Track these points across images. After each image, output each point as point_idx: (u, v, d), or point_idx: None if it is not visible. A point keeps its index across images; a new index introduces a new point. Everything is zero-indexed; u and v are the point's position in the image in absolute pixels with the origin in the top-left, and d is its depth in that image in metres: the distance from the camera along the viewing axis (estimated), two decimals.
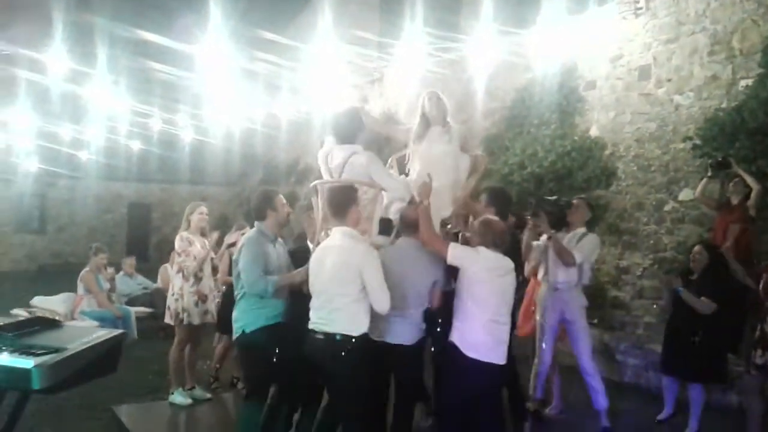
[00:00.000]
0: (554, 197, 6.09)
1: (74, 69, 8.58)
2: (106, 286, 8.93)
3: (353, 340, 3.83)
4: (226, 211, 19.47)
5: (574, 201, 6.05)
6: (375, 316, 3.98)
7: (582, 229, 5.84)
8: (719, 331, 5.49)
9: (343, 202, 4.05)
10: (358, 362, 3.83)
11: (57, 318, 6.78)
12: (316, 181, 4.78)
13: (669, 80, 8.32)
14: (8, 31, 8.02)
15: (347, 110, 4.97)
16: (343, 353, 3.81)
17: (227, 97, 11.25)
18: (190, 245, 6.11)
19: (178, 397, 6.12)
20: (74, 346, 2.68)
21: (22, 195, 18.82)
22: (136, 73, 10.22)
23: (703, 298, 5.42)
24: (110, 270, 9.35)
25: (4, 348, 2.61)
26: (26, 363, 2.47)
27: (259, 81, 11.04)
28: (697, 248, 5.73)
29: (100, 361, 2.80)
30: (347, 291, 3.84)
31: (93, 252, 8.79)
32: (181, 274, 6.12)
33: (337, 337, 3.83)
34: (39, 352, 2.57)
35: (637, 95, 8.71)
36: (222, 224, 19.05)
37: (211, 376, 6.85)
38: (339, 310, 3.86)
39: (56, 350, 2.60)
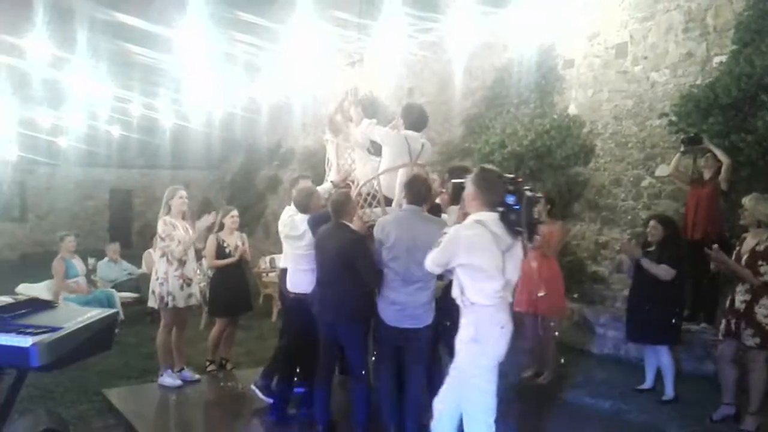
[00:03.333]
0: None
1: (54, 54, 8.53)
2: (83, 269, 8.96)
3: None
4: (208, 195, 19.44)
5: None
6: None
7: None
8: (674, 296, 5.80)
9: None
10: None
11: None
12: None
13: (645, 58, 8.46)
14: None
15: (420, 105, 5.84)
16: None
17: (207, 81, 11.21)
18: (174, 229, 6.12)
19: (167, 379, 6.18)
20: (70, 325, 2.75)
21: (1, 183, 18.62)
22: (115, 57, 10.15)
23: (662, 265, 5.67)
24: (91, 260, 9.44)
25: (2, 327, 2.69)
26: (24, 341, 2.54)
27: (239, 64, 11.02)
28: (652, 222, 5.97)
29: (94, 339, 2.88)
30: None
31: (60, 238, 8.86)
32: (165, 259, 6.11)
33: None
34: (36, 331, 2.64)
35: (614, 73, 8.85)
36: (205, 209, 19.02)
37: (207, 360, 6.89)
38: None
39: (53, 329, 2.67)
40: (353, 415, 4.79)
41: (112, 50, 9.60)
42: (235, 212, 6.98)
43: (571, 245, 8.50)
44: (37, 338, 2.57)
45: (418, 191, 4.55)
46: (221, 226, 6.82)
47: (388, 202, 5.13)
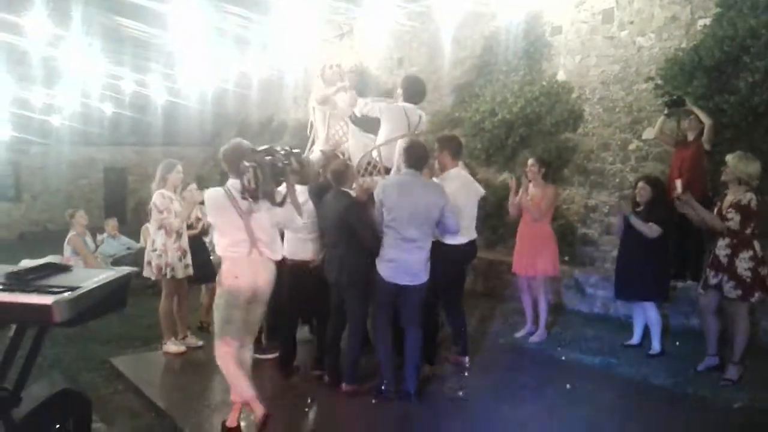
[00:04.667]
0: None
1: (50, 32, 8.57)
2: (92, 246, 9.10)
3: None
4: (201, 171, 19.49)
5: None
6: None
7: None
8: (661, 254, 6.04)
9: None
10: None
11: None
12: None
13: (631, 23, 8.58)
14: None
15: (419, 77, 5.98)
16: None
17: (199, 56, 11.27)
18: (171, 202, 6.28)
19: (172, 346, 6.39)
20: (87, 285, 2.93)
21: None
22: (109, 32, 10.15)
23: (650, 223, 5.90)
24: (100, 237, 9.55)
25: (23, 288, 2.87)
26: (46, 299, 2.72)
27: (229, 38, 11.06)
28: (640, 183, 6.18)
29: (111, 296, 3.06)
30: None
31: (69, 216, 8.91)
32: (163, 231, 6.24)
33: None
34: (56, 290, 2.82)
35: (601, 38, 8.97)
36: (198, 185, 19.14)
37: (202, 322, 7.16)
38: None
39: (71, 288, 2.85)
40: (346, 366, 5.09)
41: (106, 25, 9.61)
42: (194, 185, 6.92)
43: (561, 209, 8.69)
44: (57, 296, 2.75)
45: (417, 156, 4.87)
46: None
47: (388, 171, 5.42)
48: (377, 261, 4.85)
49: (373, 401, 4.91)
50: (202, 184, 19.32)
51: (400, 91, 5.68)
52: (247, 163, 4.16)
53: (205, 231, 7.45)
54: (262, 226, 4.29)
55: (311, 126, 6.29)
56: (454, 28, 10.19)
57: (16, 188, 19.43)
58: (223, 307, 4.35)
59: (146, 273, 6.45)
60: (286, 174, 4.35)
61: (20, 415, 3.51)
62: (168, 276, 6.28)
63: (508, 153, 9.71)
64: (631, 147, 8.29)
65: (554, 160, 8.81)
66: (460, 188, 5.31)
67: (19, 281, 2.94)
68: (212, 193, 4.35)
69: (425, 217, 4.76)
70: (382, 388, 4.90)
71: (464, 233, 5.30)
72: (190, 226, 7.06)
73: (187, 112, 16.78)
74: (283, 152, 4.37)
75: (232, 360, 4.37)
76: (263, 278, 4.34)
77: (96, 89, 14.25)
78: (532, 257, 6.53)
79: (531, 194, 6.58)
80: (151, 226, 6.46)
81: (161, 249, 6.25)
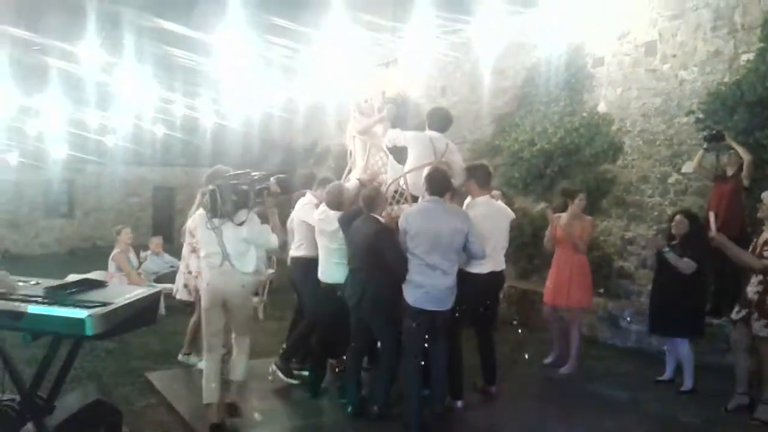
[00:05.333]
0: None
1: (102, 58, 9.02)
2: (136, 263, 9.36)
3: None
4: None
5: None
6: None
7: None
8: (697, 290, 5.94)
9: None
10: None
11: None
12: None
13: (674, 56, 8.56)
14: (40, 23, 8.42)
15: (445, 108, 6.19)
16: None
17: (246, 82, 11.62)
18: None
19: (193, 358, 6.64)
20: (119, 300, 3.10)
21: (51, 181, 19.36)
22: (160, 60, 10.62)
23: (685, 258, 5.80)
24: (144, 254, 9.80)
25: (60, 302, 3.05)
26: (80, 314, 2.89)
27: (275, 66, 11.39)
28: (678, 217, 6.09)
29: (142, 312, 3.23)
30: None
31: (116, 233, 9.16)
32: (195, 254, 6.37)
33: None
34: (90, 305, 3.00)
35: (643, 71, 8.96)
36: None
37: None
38: None
39: (104, 304, 3.02)
40: (373, 393, 5.16)
41: (157, 54, 10.06)
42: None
43: (598, 241, 8.63)
44: (91, 311, 2.92)
45: (438, 182, 4.91)
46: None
47: (415, 199, 5.44)
48: (404, 287, 4.88)
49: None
50: (272, 202, 19.80)
51: (384, 113, 5.95)
52: (208, 187, 4.73)
53: None
54: (231, 241, 4.81)
55: (350, 154, 6.43)
56: (495, 58, 10.27)
57: (69, 205, 20.10)
58: (202, 310, 5.08)
59: (180, 295, 6.66)
60: (263, 196, 4.83)
61: (54, 423, 3.70)
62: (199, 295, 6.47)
63: (546, 183, 9.71)
64: (671, 180, 8.22)
65: (593, 191, 8.80)
66: (485, 216, 5.30)
67: (57, 295, 3.12)
68: (197, 213, 5.10)
69: (449, 242, 4.78)
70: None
71: (488, 263, 5.28)
72: None
73: (234, 136, 17.17)
74: (256, 176, 4.82)
75: (212, 363, 5.00)
76: (232, 288, 4.88)
77: (148, 112, 14.77)
78: (568, 287, 6.50)
79: (568, 226, 6.56)
80: (184, 249, 6.67)
81: (196, 271, 6.40)
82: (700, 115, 7.68)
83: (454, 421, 5.16)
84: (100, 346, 7.53)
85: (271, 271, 9.82)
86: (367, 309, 5.06)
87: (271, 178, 5.05)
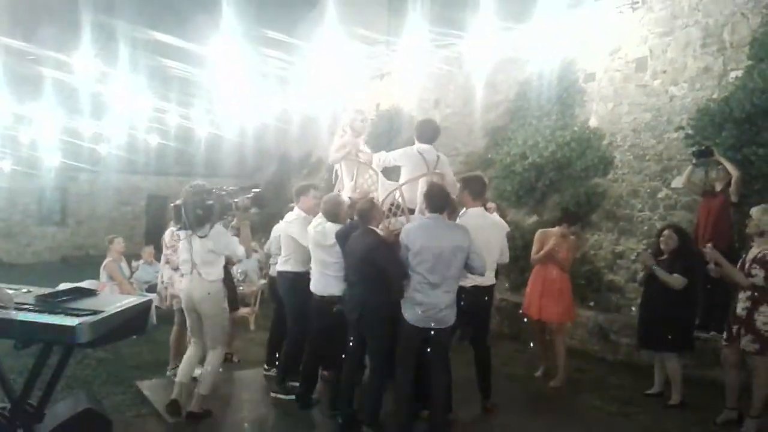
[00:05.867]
0: None
1: (96, 68, 9.08)
2: (127, 272, 9.36)
3: None
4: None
5: None
6: None
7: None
8: (686, 305, 5.97)
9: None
10: None
11: None
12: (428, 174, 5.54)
13: (664, 72, 8.66)
14: (36, 33, 8.49)
15: (431, 120, 6.33)
16: None
17: (240, 93, 11.68)
18: (178, 241, 6.50)
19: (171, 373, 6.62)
20: (109, 309, 3.13)
21: (44, 189, 19.36)
22: (154, 71, 10.68)
23: (675, 274, 5.84)
24: (135, 263, 9.82)
25: (51, 310, 3.08)
26: (71, 321, 2.92)
27: (270, 78, 11.46)
28: (666, 232, 6.13)
29: (131, 321, 3.26)
30: None
31: (109, 242, 9.17)
32: (168, 266, 6.74)
33: None
34: (81, 313, 3.03)
35: (634, 86, 9.06)
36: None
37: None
38: None
39: (95, 312, 3.05)
40: (366, 407, 5.13)
41: (152, 65, 10.12)
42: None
43: (588, 255, 8.70)
44: (81, 319, 2.95)
45: (437, 199, 4.91)
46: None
47: (411, 212, 5.48)
48: (403, 304, 4.84)
49: None
50: (242, 216, 19.80)
51: (356, 131, 6.05)
52: (175, 202, 5.19)
53: (231, 261, 7.66)
54: (198, 252, 5.21)
55: (336, 175, 6.40)
56: (488, 73, 10.39)
57: (62, 213, 20.07)
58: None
59: (158, 303, 6.83)
60: (233, 210, 5.24)
61: (45, 430, 3.71)
62: (175, 307, 6.60)
63: (537, 196, 9.78)
64: (660, 195, 8.29)
65: (583, 205, 8.88)
66: (478, 228, 5.23)
67: (48, 303, 3.15)
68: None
69: (451, 260, 4.75)
70: None
71: (472, 277, 5.22)
72: None
73: (229, 146, 17.25)
74: (225, 192, 5.18)
75: (192, 349, 5.53)
76: (197, 294, 5.25)
77: (142, 121, 14.82)
78: (548, 303, 6.57)
79: (556, 244, 6.62)
80: (162, 259, 6.90)
81: (167, 281, 6.73)
82: (690, 131, 7.77)
83: None
84: (92, 355, 7.53)
85: (262, 281, 9.86)
86: (368, 322, 5.02)
87: (241, 195, 5.33)
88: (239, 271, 10.02)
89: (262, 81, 11.35)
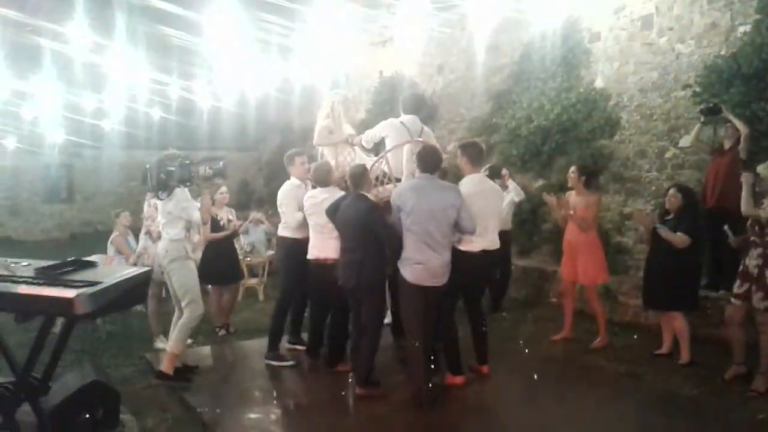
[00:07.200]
0: None
1: (94, 40, 8.94)
2: (134, 246, 9.37)
3: None
4: (245, 176, 19.84)
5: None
6: None
7: None
8: (691, 264, 5.92)
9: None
10: None
11: None
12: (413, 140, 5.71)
13: (670, 29, 8.48)
14: (27, 2, 8.33)
15: (414, 92, 6.90)
16: None
17: (241, 63, 11.55)
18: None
19: (159, 344, 6.79)
20: (108, 280, 3.10)
21: (50, 166, 19.39)
22: (153, 41, 10.47)
23: (679, 233, 5.78)
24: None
25: (50, 283, 3.05)
26: (69, 293, 2.90)
27: (271, 45, 11.29)
28: (671, 191, 6.06)
29: (130, 292, 3.23)
30: None
31: (115, 216, 9.20)
32: (147, 236, 7.03)
33: None
34: (79, 284, 3.00)
35: (639, 45, 8.89)
36: (243, 189, 19.48)
37: (216, 326, 7.53)
38: None
39: (93, 283, 3.02)
40: (358, 364, 5.27)
41: (150, 34, 9.93)
42: (224, 188, 7.66)
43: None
44: (79, 291, 2.93)
45: (429, 159, 4.98)
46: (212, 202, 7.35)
47: (398, 181, 5.58)
48: (400, 265, 4.91)
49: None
50: (248, 188, 19.71)
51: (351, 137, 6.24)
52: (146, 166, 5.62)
53: (236, 233, 7.74)
54: (162, 212, 5.68)
55: (321, 155, 6.49)
56: (491, 35, 10.21)
57: (69, 190, 20.15)
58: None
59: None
60: (195, 178, 5.57)
61: (51, 404, 3.72)
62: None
63: (543, 159, 9.68)
64: (668, 155, 8.19)
65: (590, 167, 8.75)
66: (476, 194, 5.22)
67: (46, 276, 3.13)
68: None
69: (443, 217, 4.82)
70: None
71: (479, 241, 5.22)
72: (221, 228, 7.34)
73: (231, 118, 17.10)
74: (189, 162, 5.54)
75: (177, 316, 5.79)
76: (161, 252, 5.68)
77: (143, 95, 14.68)
78: (579, 265, 6.57)
79: (573, 204, 6.60)
80: (142, 230, 7.23)
81: (141, 251, 7.08)
82: (697, 89, 7.63)
83: (451, 397, 5.17)
84: (102, 328, 7.60)
85: (270, 252, 9.88)
86: (364, 288, 5.09)
87: (204, 165, 5.65)
88: (246, 242, 10.05)
89: (263, 48, 11.18)
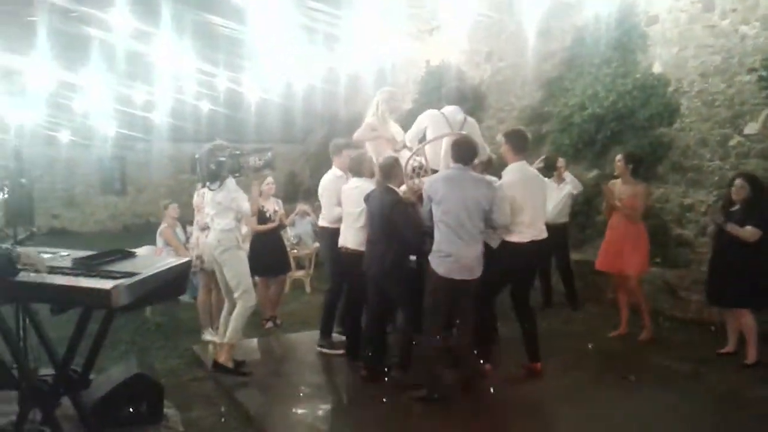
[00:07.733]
0: None
1: (140, 29, 8.95)
2: (183, 237, 9.40)
3: None
4: (294, 167, 19.89)
5: None
6: None
7: None
8: (760, 258, 5.54)
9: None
10: None
11: None
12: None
13: (734, 10, 8.04)
14: None
15: (459, 83, 6.88)
16: None
17: (286, 52, 11.47)
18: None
19: (207, 336, 6.75)
20: (147, 271, 3.00)
21: (103, 158, 19.79)
22: (198, 29, 10.38)
23: (748, 227, 5.45)
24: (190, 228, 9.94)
25: (87, 273, 2.97)
26: (106, 284, 2.81)
27: (317, 34, 11.17)
28: (738, 181, 5.72)
29: (170, 283, 3.13)
30: None
31: (164, 208, 9.22)
32: (197, 226, 6.90)
33: None
34: (117, 275, 2.91)
35: (701, 28, 8.45)
36: (290, 181, 19.52)
37: (263, 319, 7.45)
38: None
39: (131, 274, 2.93)
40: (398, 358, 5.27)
41: (196, 22, 9.86)
42: (270, 179, 7.56)
43: (654, 208, 8.24)
44: (116, 282, 2.83)
45: (463, 150, 4.91)
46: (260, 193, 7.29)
47: (434, 173, 5.44)
48: (431, 257, 4.82)
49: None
50: (295, 180, 19.75)
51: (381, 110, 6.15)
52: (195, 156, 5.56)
53: (283, 224, 7.69)
54: (210, 203, 5.62)
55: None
56: (541, 18, 9.87)
57: (122, 182, 20.58)
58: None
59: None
60: (245, 169, 5.52)
61: (94, 397, 3.66)
62: (199, 268, 6.74)
63: (597, 149, 9.32)
64: (732, 143, 7.75)
65: (648, 157, 8.38)
66: (519, 182, 5.11)
67: (84, 266, 3.05)
68: None
69: (475, 209, 4.74)
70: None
71: (526, 231, 5.10)
72: (267, 219, 7.28)
73: (278, 110, 17.09)
74: (238, 152, 5.52)
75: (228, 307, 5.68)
76: (211, 241, 5.65)
77: (191, 86, 14.77)
78: (625, 255, 6.38)
79: (619, 193, 6.37)
80: (194, 224, 7.15)
81: (194, 243, 6.93)
82: (763, 73, 7.23)
83: (495, 396, 4.98)
84: (152, 320, 7.64)
85: (316, 244, 9.80)
86: (388, 279, 5.12)
87: (254, 156, 5.61)
88: (293, 234, 10.01)
89: (309, 38, 11.07)
